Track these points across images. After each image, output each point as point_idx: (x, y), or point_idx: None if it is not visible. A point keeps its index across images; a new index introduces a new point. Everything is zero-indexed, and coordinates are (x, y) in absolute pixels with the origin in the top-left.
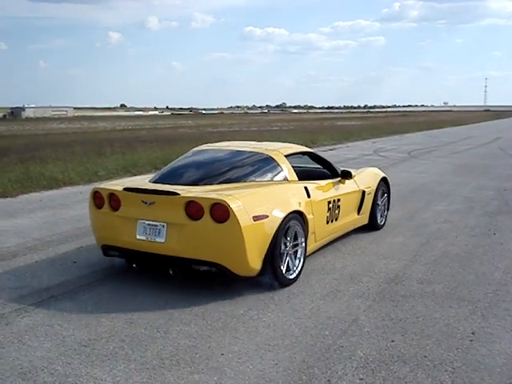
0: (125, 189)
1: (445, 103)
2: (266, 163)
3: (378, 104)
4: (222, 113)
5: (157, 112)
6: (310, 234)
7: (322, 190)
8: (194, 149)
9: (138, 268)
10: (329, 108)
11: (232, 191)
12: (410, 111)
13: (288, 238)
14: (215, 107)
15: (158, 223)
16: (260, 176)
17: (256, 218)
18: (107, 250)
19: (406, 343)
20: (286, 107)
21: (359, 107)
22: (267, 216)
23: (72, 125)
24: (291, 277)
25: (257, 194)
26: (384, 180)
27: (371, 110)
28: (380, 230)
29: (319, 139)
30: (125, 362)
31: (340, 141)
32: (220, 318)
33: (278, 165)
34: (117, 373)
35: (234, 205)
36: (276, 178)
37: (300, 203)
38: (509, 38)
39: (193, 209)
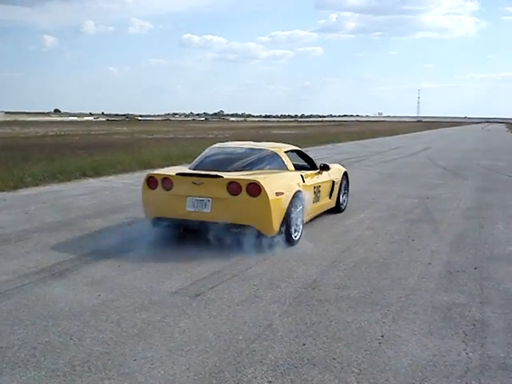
0: (178, 173)
1: (379, 113)
2: (273, 157)
3: (314, 113)
4: (169, 119)
5: (92, 118)
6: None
7: (310, 178)
8: (211, 146)
9: (185, 232)
10: (266, 117)
11: (258, 175)
12: (346, 121)
13: (293, 210)
14: (152, 114)
15: (205, 198)
16: (270, 166)
17: (277, 194)
18: (158, 221)
19: (316, 346)
20: (223, 115)
21: (296, 116)
22: (283, 193)
23: (2, 129)
24: (296, 238)
25: (275, 178)
26: (345, 174)
27: (308, 120)
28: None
29: None
30: (35, 370)
31: None
32: (136, 325)
33: (281, 158)
34: (26, 380)
35: (264, 184)
36: (281, 168)
37: (299, 185)
38: (441, 51)
39: (233, 187)
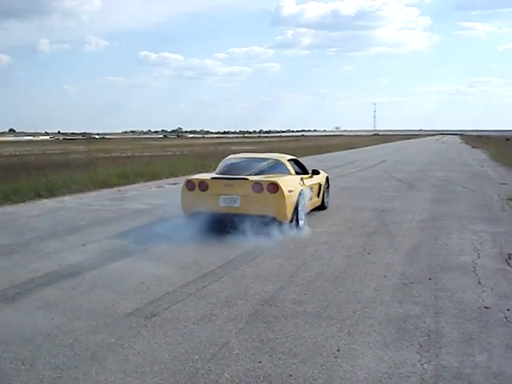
0: (212, 178)
1: (336, 128)
2: (279, 164)
3: (273, 129)
4: (126, 137)
5: (48, 137)
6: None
7: (306, 180)
8: (226, 158)
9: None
10: (225, 133)
11: (274, 178)
12: (304, 136)
13: (299, 203)
14: (110, 132)
15: (234, 196)
16: (278, 171)
17: (289, 191)
18: (195, 215)
19: (273, 363)
20: (182, 132)
21: (254, 132)
22: (293, 190)
23: None
24: (301, 225)
25: (286, 179)
26: (327, 178)
27: (266, 135)
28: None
29: (210, 164)
30: None
31: None
32: (89, 348)
33: (285, 165)
34: None
35: (281, 184)
36: (285, 172)
37: (301, 185)
38: (395, 66)
39: (257, 187)
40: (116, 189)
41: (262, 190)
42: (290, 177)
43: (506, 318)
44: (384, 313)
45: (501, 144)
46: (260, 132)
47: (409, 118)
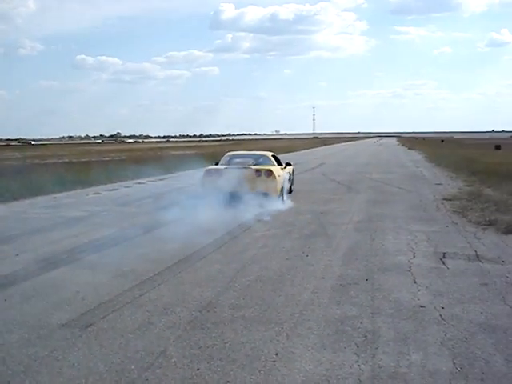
0: (225, 168)
1: (276, 131)
2: (267, 157)
3: (213, 133)
4: (64, 143)
5: None
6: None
7: (282, 169)
8: (227, 154)
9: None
10: (165, 137)
11: (268, 166)
12: (244, 139)
13: (284, 184)
14: (46, 137)
15: (241, 180)
16: (266, 162)
17: (278, 176)
18: (214, 193)
19: (211, 370)
20: (120, 137)
21: (195, 136)
22: (280, 175)
23: None
24: (285, 200)
25: (275, 168)
26: (293, 169)
27: (207, 139)
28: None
29: (150, 172)
30: None
31: (170, 170)
32: (22, 362)
33: (270, 159)
34: None
35: (273, 170)
36: (271, 164)
37: (283, 173)
38: (333, 70)
39: (257, 172)
40: (52, 196)
41: (261, 174)
42: (276, 167)
43: (441, 316)
44: (322, 315)
45: (436, 145)
46: (201, 136)
47: (347, 120)
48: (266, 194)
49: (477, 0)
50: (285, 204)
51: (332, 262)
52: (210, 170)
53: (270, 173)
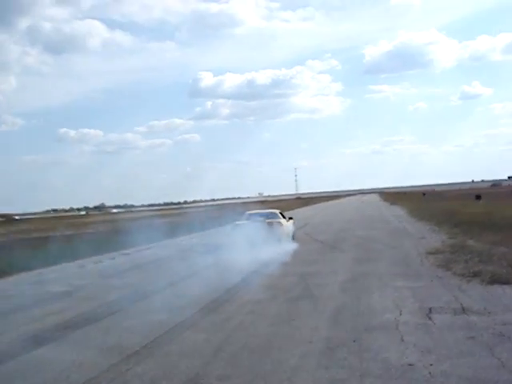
0: (248, 222)
1: (260, 193)
2: (276, 214)
3: (197, 199)
4: (48, 216)
5: None
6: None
7: (289, 221)
8: (247, 212)
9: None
10: (149, 205)
11: (278, 220)
12: (229, 204)
13: (291, 231)
14: (30, 212)
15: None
16: (278, 216)
17: (286, 226)
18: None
19: None
20: (105, 207)
21: (179, 203)
22: (287, 226)
23: None
24: (294, 240)
25: (283, 220)
26: (293, 221)
27: (190, 205)
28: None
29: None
30: None
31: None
32: None
33: (279, 214)
34: None
35: (282, 222)
36: (280, 218)
37: (288, 223)
38: (312, 131)
39: (273, 223)
40: (37, 271)
41: (273, 225)
42: (283, 220)
43: (430, 373)
44: (311, 380)
45: (418, 199)
46: (185, 202)
47: (329, 179)
48: (279, 240)
49: (447, 55)
50: (268, 268)
51: (319, 325)
52: (237, 224)
53: (280, 224)
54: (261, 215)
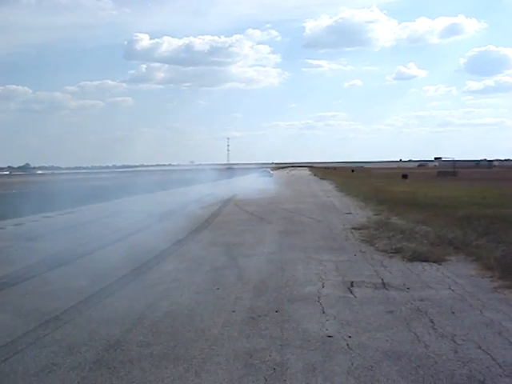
0: None
1: (191, 162)
2: (269, 170)
3: (126, 163)
4: None
5: None
6: None
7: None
8: (261, 169)
9: None
10: (76, 168)
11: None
12: (159, 170)
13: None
14: None
15: None
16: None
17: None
18: None
19: None
20: (30, 168)
21: (108, 167)
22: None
23: None
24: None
25: (272, 172)
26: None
27: (120, 170)
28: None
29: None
30: None
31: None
32: None
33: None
34: None
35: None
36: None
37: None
38: (247, 101)
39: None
40: None
41: (270, 172)
42: (272, 172)
43: (348, 345)
44: (231, 349)
45: (347, 175)
46: (113, 167)
47: (261, 151)
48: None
49: (386, 35)
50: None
51: (243, 295)
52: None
53: (270, 173)
54: (266, 169)
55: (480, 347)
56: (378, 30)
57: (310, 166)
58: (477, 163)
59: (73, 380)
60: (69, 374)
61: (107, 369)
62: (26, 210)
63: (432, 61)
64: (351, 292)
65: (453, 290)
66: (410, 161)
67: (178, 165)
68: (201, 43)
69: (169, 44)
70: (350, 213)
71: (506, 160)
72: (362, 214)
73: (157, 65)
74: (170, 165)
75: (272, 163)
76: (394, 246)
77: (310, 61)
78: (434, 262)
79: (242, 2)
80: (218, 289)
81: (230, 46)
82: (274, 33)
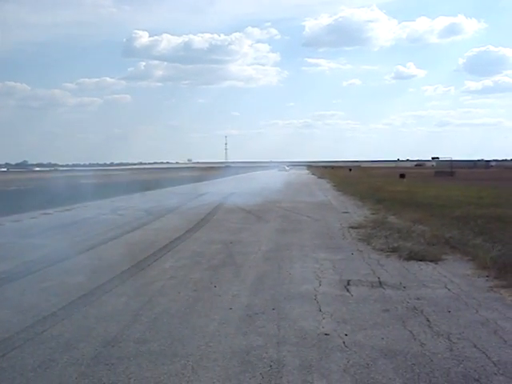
0: None
1: (189, 160)
2: (286, 166)
3: (124, 161)
4: None
5: None
6: None
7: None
8: (282, 165)
9: None
10: (74, 166)
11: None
12: (156, 168)
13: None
14: None
15: None
16: (287, 166)
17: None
18: None
19: None
20: (27, 165)
21: (105, 164)
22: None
23: None
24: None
25: (288, 168)
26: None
27: (117, 167)
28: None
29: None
30: None
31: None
32: None
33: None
34: None
35: (288, 168)
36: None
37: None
38: (246, 100)
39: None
40: None
41: (286, 168)
42: (288, 167)
43: (344, 343)
44: (228, 346)
45: (344, 174)
46: (111, 164)
47: (259, 149)
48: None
49: (385, 34)
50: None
51: (240, 292)
52: (281, 168)
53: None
54: (282, 166)
55: (475, 346)
56: (377, 30)
57: (308, 165)
58: (474, 163)
59: (70, 376)
60: (66, 370)
61: (104, 365)
62: (24, 207)
63: (431, 60)
64: (348, 290)
65: (449, 289)
66: (407, 160)
67: (176, 163)
68: (200, 41)
69: (168, 41)
70: (347, 212)
71: (503, 160)
72: (359, 212)
73: (156, 62)
74: (167, 162)
75: (270, 161)
76: (390, 245)
77: (309, 60)
78: (431, 261)
79: (241, 0)
80: (215, 286)
81: (229, 44)
82: (273, 31)
